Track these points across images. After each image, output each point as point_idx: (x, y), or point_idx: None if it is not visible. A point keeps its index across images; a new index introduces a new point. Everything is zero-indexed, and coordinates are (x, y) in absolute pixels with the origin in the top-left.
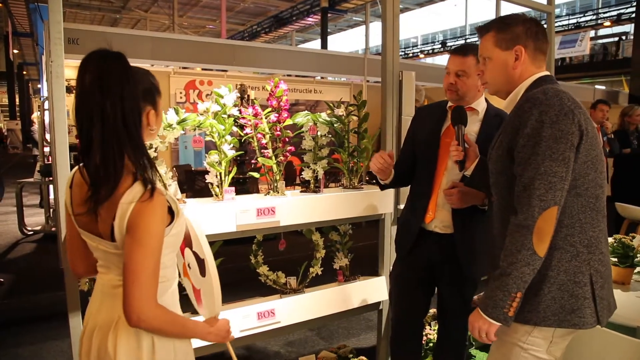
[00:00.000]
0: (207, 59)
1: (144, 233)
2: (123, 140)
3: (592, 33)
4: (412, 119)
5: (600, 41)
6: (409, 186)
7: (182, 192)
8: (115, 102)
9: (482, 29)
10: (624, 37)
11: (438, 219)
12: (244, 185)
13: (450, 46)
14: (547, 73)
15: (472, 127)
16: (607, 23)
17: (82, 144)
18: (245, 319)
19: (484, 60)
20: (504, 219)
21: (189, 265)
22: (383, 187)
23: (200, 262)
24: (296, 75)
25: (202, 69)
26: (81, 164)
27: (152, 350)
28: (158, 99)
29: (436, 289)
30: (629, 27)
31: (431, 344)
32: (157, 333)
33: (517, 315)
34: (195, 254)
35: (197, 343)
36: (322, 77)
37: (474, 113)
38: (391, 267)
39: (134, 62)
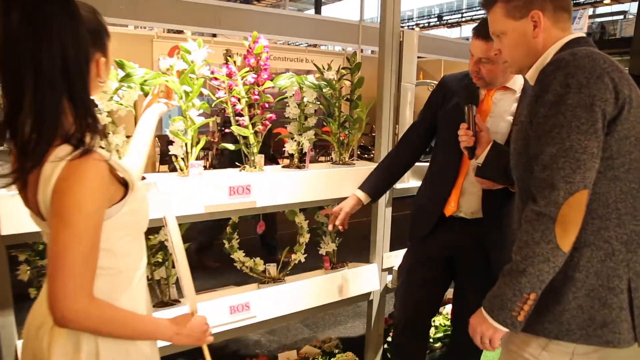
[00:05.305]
0: (190, 20)
1: (71, 207)
2: (62, 96)
3: (590, 11)
4: (436, 89)
5: (598, 20)
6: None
7: (164, 163)
8: (53, 47)
9: (488, 3)
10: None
11: (464, 206)
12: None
13: (447, 20)
14: (580, 35)
15: (509, 108)
16: (607, 0)
17: (8, 105)
18: (215, 313)
19: (497, 38)
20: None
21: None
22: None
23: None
24: (288, 43)
25: (193, 34)
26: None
27: (95, 356)
28: (108, 42)
29: (454, 282)
30: (628, 6)
31: (438, 335)
32: (97, 334)
33: (533, 325)
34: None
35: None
36: (315, 46)
37: (510, 92)
38: (383, 258)
39: (109, 21)
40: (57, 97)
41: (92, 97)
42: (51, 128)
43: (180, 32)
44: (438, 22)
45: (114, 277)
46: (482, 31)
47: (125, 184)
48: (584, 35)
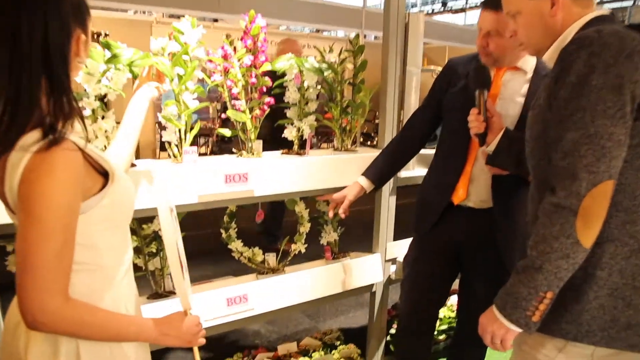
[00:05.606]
0: (189, 4)
1: (38, 201)
2: (41, 76)
3: None
4: (442, 73)
5: (606, 5)
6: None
7: (164, 150)
8: (35, 19)
9: None
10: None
11: (473, 194)
12: (229, 144)
13: (451, 6)
14: (604, 12)
15: (519, 90)
16: None
17: None
18: (211, 305)
19: (512, 17)
20: (542, 201)
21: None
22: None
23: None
24: (288, 28)
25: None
26: None
27: (75, 358)
28: (88, 20)
29: (460, 274)
30: None
31: (443, 327)
32: (75, 338)
33: (550, 325)
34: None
35: None
36: (318, 31)
37: (521, 73)
38: (387, 248)
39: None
40: (35, 76)
41: (71, 79)
42: (27, 110)
43: (181, 17)
44: (442, 9)
45: (94, 273)
46: (491, 1)
47: (105, 174)
48: (609, 12)
